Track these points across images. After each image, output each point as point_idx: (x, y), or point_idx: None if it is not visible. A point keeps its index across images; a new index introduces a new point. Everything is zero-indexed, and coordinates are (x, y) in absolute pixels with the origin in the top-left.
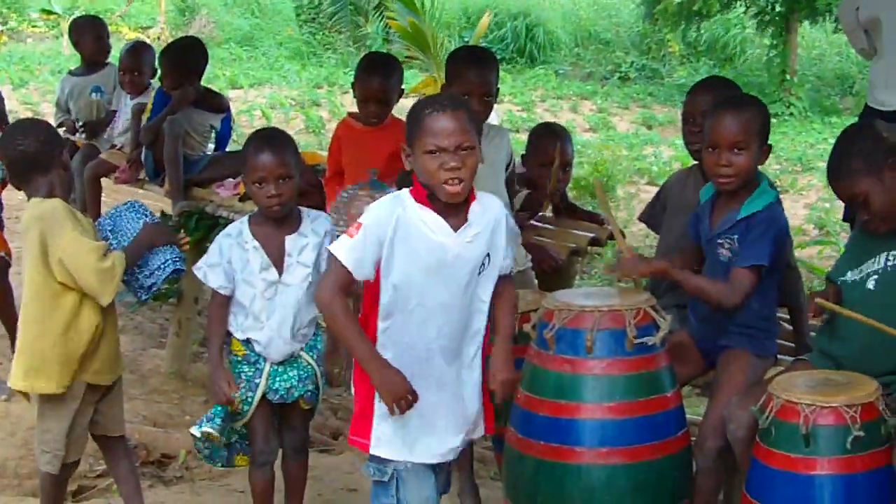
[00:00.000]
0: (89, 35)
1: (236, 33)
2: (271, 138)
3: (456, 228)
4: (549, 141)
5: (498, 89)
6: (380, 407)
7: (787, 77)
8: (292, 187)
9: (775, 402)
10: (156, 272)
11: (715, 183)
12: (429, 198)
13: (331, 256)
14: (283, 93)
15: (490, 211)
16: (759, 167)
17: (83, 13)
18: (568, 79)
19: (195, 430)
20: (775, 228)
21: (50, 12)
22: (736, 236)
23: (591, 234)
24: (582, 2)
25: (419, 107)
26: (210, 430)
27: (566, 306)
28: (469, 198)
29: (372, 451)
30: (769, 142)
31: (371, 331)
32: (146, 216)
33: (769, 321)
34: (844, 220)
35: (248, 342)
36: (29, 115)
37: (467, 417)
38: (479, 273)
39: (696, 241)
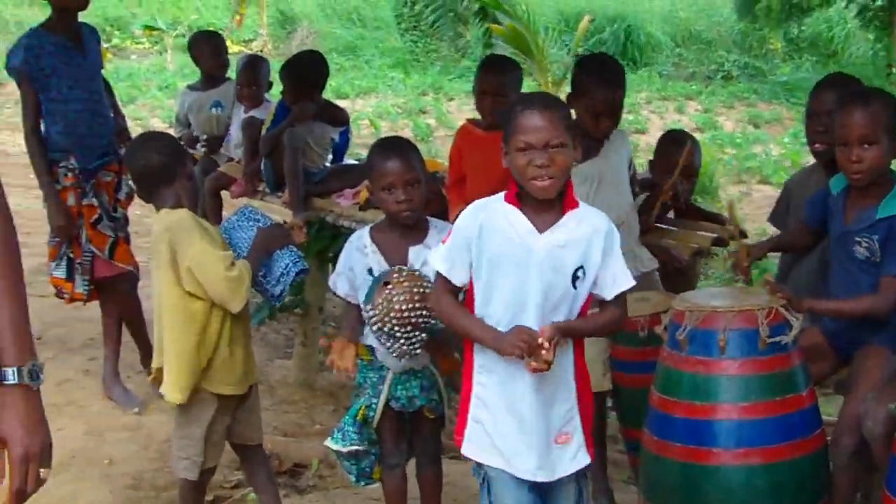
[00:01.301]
0: (208, 50)
1: (338, 43)
2: (397, 145)
3: (542, 230)
4: (675, 148)
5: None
6: (474, 406)
7: (893, 71)
8: (421, 192)
9: None
10: (281, 279)
11: (848, 179)
12: (519, 197)
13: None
14: (390, 101)
15: (589, 223)
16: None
17: (189, 29)
18: (671, 80)
19: (331, 444)
20: None
21: (153, 28)
22: (876, 237)
23: (714, 235)
24: (681, 2)
25: (513, 104)
26: (346, 449)
27: (697, 307)
28: (568, 204)
29: (463, 451)
30: None
31: (471, 347)
32: (258, 221)
33: None
34: None
35: (371, 349)
36: (140, 131)
37: (550, 431)
38: (575, 287)
39: (813, 224)
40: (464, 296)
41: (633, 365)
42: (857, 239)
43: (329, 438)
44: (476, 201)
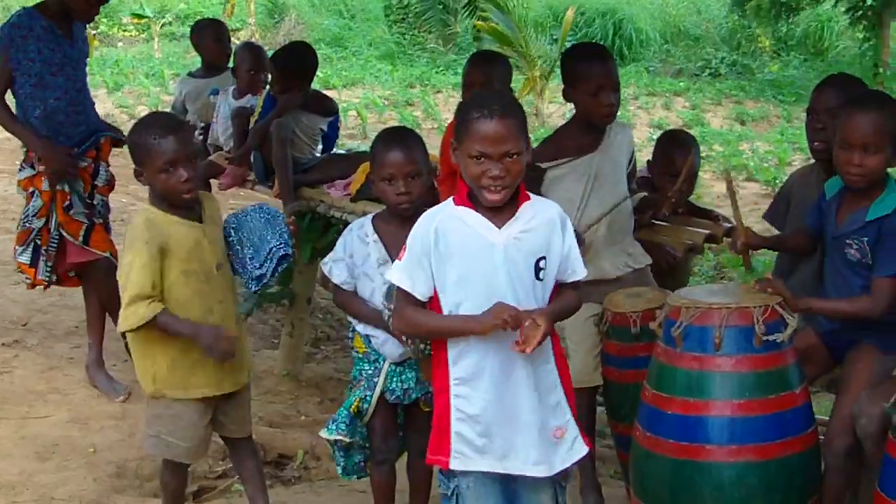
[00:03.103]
0: (210, 38)
1: (326, 34)
2: (401, 136)
3: (500, 226)
4: (676, 151)
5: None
6: (457, 419)
7: (881, 70)
8: (421, 185)
9: None
10: (266, 263)
11: (843, 180)
12: (470, 197)
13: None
14: (377, 93)
15: (545, 214)
16: None
17: (176, 17)
18: (659, 76)
19: (325, 434)
20: None
21: (140, 16)
22: (866, 239)
23: (707, 231)
24: None
25: (469, 107)
26: (340, 438)
27: (693, 304)
28: (520, 198)
29: (452, 467)
30: None
31: (444, 351)
32: (269, 216)
33: None
34: None
35: (368, 339)
36: (125, 118)
37: (544, 427)
38: (539, 278)
39: (813, 232)
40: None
41: (625, 360)
42: (849, 241)
43: (324, 429)
44: (425, 212)
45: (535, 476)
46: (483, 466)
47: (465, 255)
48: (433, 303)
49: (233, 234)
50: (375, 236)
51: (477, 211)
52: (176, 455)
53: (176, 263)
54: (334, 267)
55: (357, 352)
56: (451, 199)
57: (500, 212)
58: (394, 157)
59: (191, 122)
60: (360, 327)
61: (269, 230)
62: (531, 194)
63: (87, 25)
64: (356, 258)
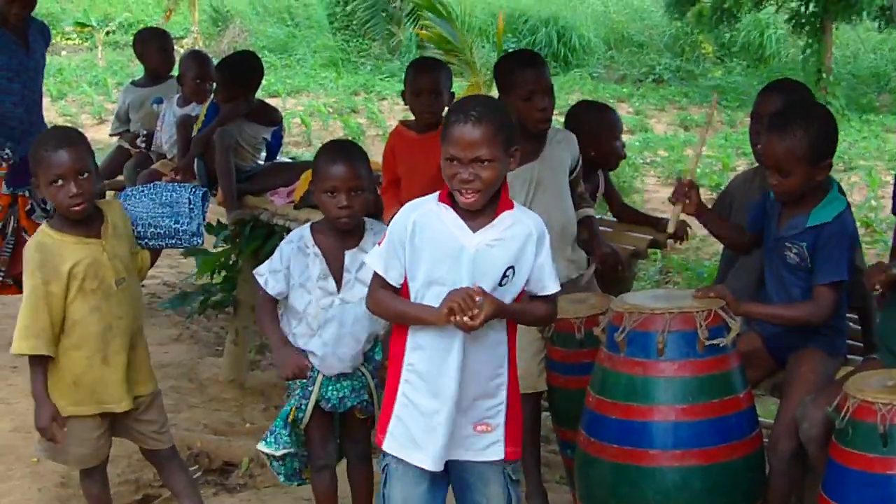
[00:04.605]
0: (154, 47)
1: (270, 42)
2: (346, 150)
3: (475, 230)
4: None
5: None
6: (400, 404)
7: (823, 76)
8: (363, 201)
9: (851, 402)
10: (193, 213)
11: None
12: (451, 196)
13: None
14: (321, 100)
15: (523, 225)
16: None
17: (120, 25)
18: (603, 82)
19: (264, 447)
20: (847, 240)
21: (84, 25)
22: (805, 244)
23: (650, 237)
24: (613, 5)
25: (453, 109)
26: (279, 452)
27: (636, 309)
28: (501, 205)
29: (384, 447)
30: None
31: (403, 336)
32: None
33: (839, 320)
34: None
35: (304, 353)
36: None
37: (474, 419)
38: (501, 284)
39: (753, 230)
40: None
41: (569, 366)
42: (788, 245)
43: (262, 442)
44: (410, 201)
45: (474, 461)
46: (413, 461)
47: (435, 252)
48: (403, 291)
49: (138, 223)
50: (316, 248)
51: (455, 211)
52: (65, 461)
53: (71, 283)
54: (271, 278)
55: None
56: (437, 192)
57: (478, 216)
58: (337, 170)
59: (132, 131)
60: (300, 341)
61: (161, 193)
62: (516, 203)
63: (51, 38)
64: (293, 269)
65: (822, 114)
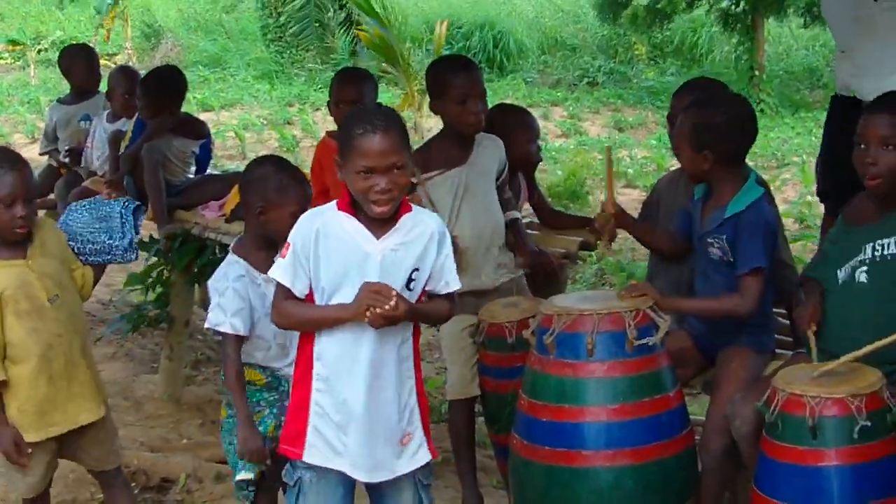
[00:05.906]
0: (81, 63)
1: (203, 56)
2: (292, 167)
3: (379, 236)
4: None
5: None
6: (315, 413)
7: (756, 73)
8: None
9: (780, 395)
10: (125, 229)
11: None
12: (353, 206)
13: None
14: (255, 113)
15: (424, 226)
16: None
17: (53, 44)
18: (537, 86)
19: (243, 475)
20: (762, 227)
21: (16, 43)
22: (724, 236)
23: (580, 239)
24: (546, 9)
25: (351, 123)
26: (252, 476)
27: (565, 311)
28: (401, 209)
29: (305, 458)
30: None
31: (310, 344)
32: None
33: (766, 317)
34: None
35: (263, 369)
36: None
37: (395, 431)
38: (409, 287)
39: (681, 236)
40: None
41: (501, 370)
42: (710, 240)
43: (238, 473)
44: (310, 210)
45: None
46: (336, 466)
47: (340, 261)
48: (308, 300)
49: (77, 239)
50: (262, 275)
51: (357, 219)
52: (16, 489)
53: (4, 307)
54: (236, 321)
55: (255, 384)
56: (335, 201)
57: (380, 222)
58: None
59: (57, 149)
60: (274, 363)
61: (99, 208)
62: (413, 205)
63: None
64: (254, 302)
65: (730, 107)
